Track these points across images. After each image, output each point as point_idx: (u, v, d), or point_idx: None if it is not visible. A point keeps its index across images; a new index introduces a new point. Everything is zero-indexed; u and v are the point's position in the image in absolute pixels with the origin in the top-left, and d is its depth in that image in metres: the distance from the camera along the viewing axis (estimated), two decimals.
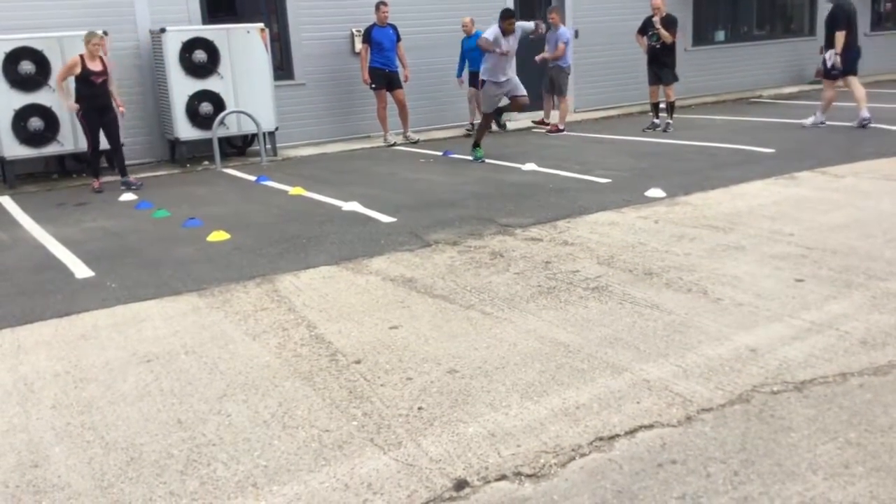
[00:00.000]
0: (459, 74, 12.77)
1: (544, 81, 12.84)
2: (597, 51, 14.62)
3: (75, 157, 10.62)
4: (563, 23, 12.96)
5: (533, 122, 13.26)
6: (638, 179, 8.43)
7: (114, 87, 9.32)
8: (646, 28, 11.92)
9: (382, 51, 11.73)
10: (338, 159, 11.27)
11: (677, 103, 12.66)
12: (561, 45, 12.28)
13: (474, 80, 12.48)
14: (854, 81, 11.11)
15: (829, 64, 11.05)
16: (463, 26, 12.35)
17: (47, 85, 9.90)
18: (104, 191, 9.39)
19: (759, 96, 15.70)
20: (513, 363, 4.01)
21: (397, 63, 11.96)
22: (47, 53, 9.88)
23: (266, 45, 11.18)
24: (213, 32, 10.89)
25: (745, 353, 3.97)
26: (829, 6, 11.18)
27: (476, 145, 10.25)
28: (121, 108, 9.37)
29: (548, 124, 12.91)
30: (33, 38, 9.88)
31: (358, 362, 4.14)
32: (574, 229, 6.60)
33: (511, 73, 9.81)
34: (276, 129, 11.54)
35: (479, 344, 4.29)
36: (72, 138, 10.13)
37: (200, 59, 10.75)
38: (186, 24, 11.13)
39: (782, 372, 3.73)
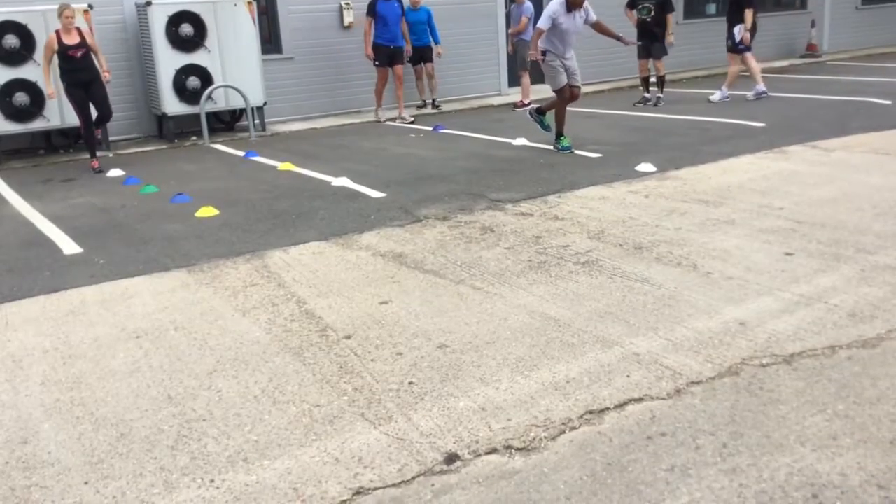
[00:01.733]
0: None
1: (516, 59, 12.76)
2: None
3: (62, 132, 10.53)
4: None
5: (514, 106, 13.07)
6: (628, 154, 8.41)
7: (100, 56, 9.04)
8: (635, 2, 11.86)
9: (387, 26, 11.43)
10: (327, 134, 11.20)
11: (668, 77, 12.61)
12: (524, 19, 12.20)
13: (422, 56, 12.33)
14: (750, 57, 11.74)
15: (737, 39, 11.56)
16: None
17: (32, 59, 9.77)
18: (104, 170, 9.07)
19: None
20: (503, 338, 4.02)
21: (402, 38, 11.72)
22: (32, 27, 9.74)
23: (253, 19, 11.06)
24: (199, 6, 10.75)
25: (734, 326, 3.99)
26: None
27: (560, 135, 8.96)
28: (106, 74, 9.03)
29: (527, 105, 12.74)
30: (17, 11, 9.74)
31: (348, 337, 4.13)
32: (564, 204, 6.59)
33: (572, 52, 8.84)
34: (265, 103, 11.45)
35: (469, 319, 4.29)
36: (58, 114, 10.02)
37: (187, 32, 10.63)
38: None
39: (771, 345, 3.75)
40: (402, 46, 11.76)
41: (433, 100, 12.87)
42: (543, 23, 8.50)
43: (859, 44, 18.26)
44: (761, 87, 11.81)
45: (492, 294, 4.63)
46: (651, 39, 11.72)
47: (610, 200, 6.62)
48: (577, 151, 8.73)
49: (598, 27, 8.93)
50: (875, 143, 8.27)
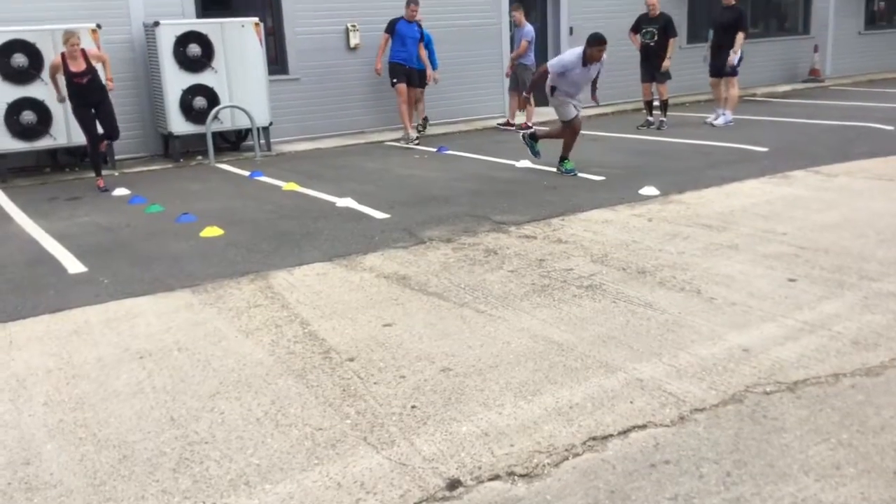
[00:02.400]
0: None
1: (510, 80, 12.83)
2: None
3: (68, 150, 10.57)
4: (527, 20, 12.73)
5: (498, 125, 13.12)
6: (632, 177, 8.44)
7: (107, 66, 8.98)
8: (639, 26, 11.95)
9: (405, 45, 11.43)
10: (332, 155, 11.25)
11: (671, 101, 12.68)
12: (524, 43, 12.28)
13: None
14: (735, 82, 12.04)
15: (735, 63, 11.75)
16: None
17: (40, 78, 9.84)
18: (110, 189, 9.05)
19: (754, 94, 15.72)
20: (506, 362, 4.02)
21: (420, 61, 11.67)
22: (40, 46, 9.81)
23: (260, 40, 11.15)
24: (207, 26, 10.84)
25: (738, 352, 3.98)
26: (735, 9, 11.75)
27: (564, 158, 8.95)
28: (110, 83, 8.93)
29: (513, 125, 12.77)
30: (26, 30, 9.82)
31: (351, 360, 4.14)
32: (568, 227, 6.60)
33: (582, 95, 8.96)
34: (271, 123, 11.51)
35: (472, 342, 4.29)
36: (64, 132, 10.08)
37: (194, 52, 10.71)
38: (180, 18, 11.09)
39: (775, 372, 3.75)
40: (420, 69, 11.72)
41: (417, 124, 12.73)
42: (555, 68, 8.46)
43: (862, 69, 18.35)
44: (730, 114, 12.04)
45: (495, 317, 4.64)
46: (654, 63, 11.80)
47: (613, 224, 6.64)
48: (580, 174, 8.76)
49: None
50: (878, 168, 8.29)
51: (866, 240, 5.79)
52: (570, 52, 8.55)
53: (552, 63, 8.60)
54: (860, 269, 5.15)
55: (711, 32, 12.05)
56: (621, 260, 5.62)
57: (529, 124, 12.37)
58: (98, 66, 8.93)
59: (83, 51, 8.73)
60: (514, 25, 12.56)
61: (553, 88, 8.71)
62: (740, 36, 11.56)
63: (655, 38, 11.77)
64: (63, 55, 8.69)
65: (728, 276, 5.15)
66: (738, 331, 4.26)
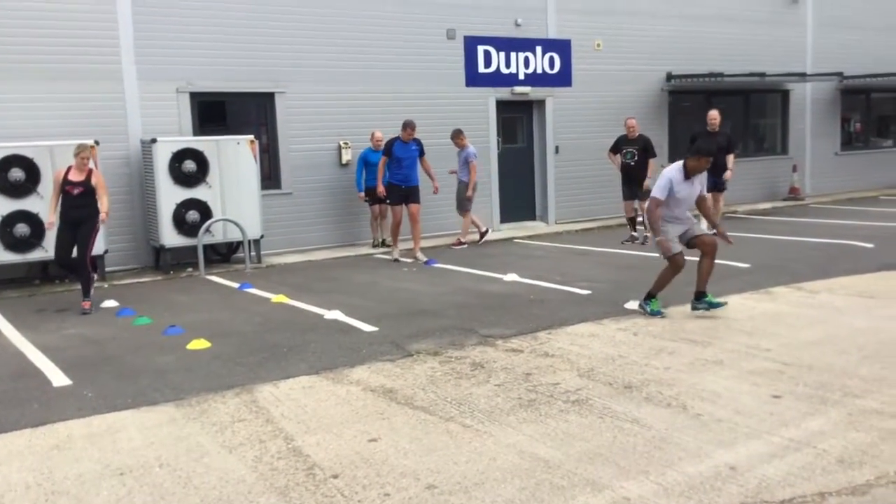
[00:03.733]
0: (361, 188, 12.57)
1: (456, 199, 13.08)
2: (576, 165, 15.06)
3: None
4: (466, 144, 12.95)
5: (451, 245, 12.97)
6: (617, 291, 8.55)
7: (104, 197, 8.79)
8: (619, 146, 12.49)
9: (401, 168, 11.55)
10: (322, 267, 11.36)
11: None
12: (474, 163, 12.64)
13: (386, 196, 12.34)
14: (721, 198, 12.83)
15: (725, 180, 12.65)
16: (376, 140, 12.37)
17: (36, 192, 10.04)
18: (92, 312, 8.63)
19: (735, 211, 16.09)
20: (492, 479, 3.98)
21: (417, 178, 11.78)
22: (38, 161, 10.05)
23: (255, 156, 11.45)
24: (203, 143, 11.15)
25: (724, 470, 3.97)
26: (725, 133, 12.87)
27: (653, 296, 7.64)
28: (103, 215, 8.75)
29: (464, 243, 12.88)
30: (24, 146, 10.07)
31: (335, 477, 4.09)
32: (554, 340, 6.65)
33: (689, 214, 7.82)
34: (262, 236, 11.68)
35: (458, 458, 4.25)
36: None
37: (189, 168, 10.97)
38: (177, 135, 11.42)
39: (761, 491, 3.73)
40: (414, 186, 11.73)
41: (383, 240, 12.88)
42: (660, 192, 7.44)
43: (840, 187, 18.88)
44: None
45: (481, 432, 4.62)
46: (635, 182, 12.23)
47: (599, 338, 6.69)
48: (566, 288, 8.85)
49: (702, 201, 7.91)
50: (859, 285, 8.44)
51: (849, 356, 5.85)
52: (668, 170, 7.59)
53: (659, 187, 7.48)
54: (844, 386, 5.18)
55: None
56: (608, 374, 5.64)
57: (462, 240, 12.72)
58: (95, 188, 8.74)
59: (90, 169, 8.73)
60: (459, 148, 12.79)
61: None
62: (732, 158, 12.52)
63: (636, 157, 12.31)
64: (69, 167, 8.69)
65: (714, 392, 5.17)
66: (725, 448, 4.25)
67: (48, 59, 10.67)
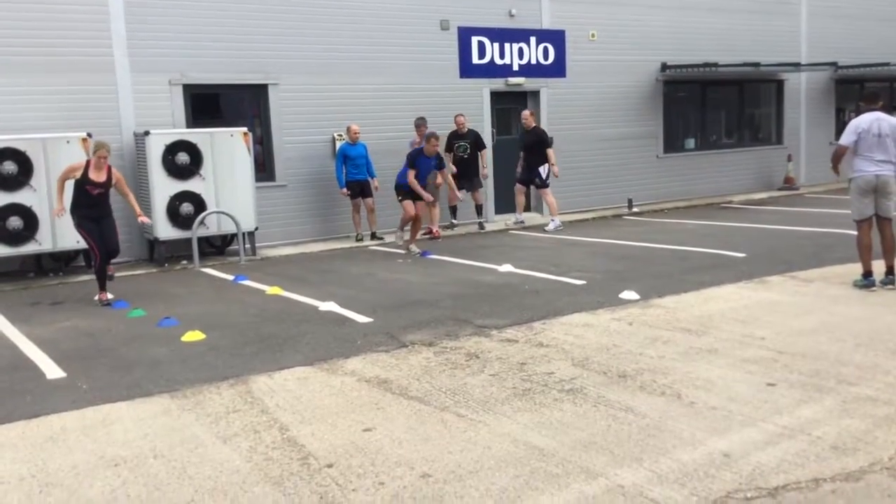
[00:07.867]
0: (342, 184, 12.37)
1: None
2: (569, 156, 15.04)
3: (53, 256, 10.62)
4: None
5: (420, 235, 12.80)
6: (612, 281, 8.55)
7: (131, 198, 8.91)
8: (451, 143, 13.14)
9: (417, 177, 11.38)
10: (317, 259, 11.35)
11: (649, 207, 13.02)
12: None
13: (363, 190, 12.44)
14: (549, 192, 13.55)
15: (543, 175, 13.37)
16: (353, 133, 12.28)
17: (29, 185, 10.00)
18: (112, 304, 8.57)
19: (730, 202, 16.12)
20: (487, 467, 3.98)
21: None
22: (30, 154, 10.00)
23: (248, 148, 11.41)
24: (196, 136, 11.11)
25: (718, 458, 3.98)
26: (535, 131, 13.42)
27: (891, 268, 7.53)
28: (141, 219, 8.89)
29: (432, 230, 12.79)
30: (17, 139, 10.03)
31: (330, 466, 4.09)
32: (549, 331, 6.65)
33: (882, 156, 7.41)
34: (256, 228, 11.65)
35: (453, 447, 4.26)
36: (50, 238, 10.16)
37: (183, 160, 10.93)
38: (171, 127, 11.37)
39: (756, 477, 3.73)
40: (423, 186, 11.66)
41: (373, 232, 12.79)
42: (850, 136, 7.32)
43: (834, 177, 18.89)
44: (559, 220, 13.32)
45: (476, 422, 4.62)
46: (472, 173, 13.30)
47: (594, 328, 6.69)
48: (561, 278, 8.86)
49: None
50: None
51: (843, 344, 5.86)
52: (855, 120, 7.42)
53: (847, 133, 7.35)
54: (838, 374, 5.19)
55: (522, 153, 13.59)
56: (602, 364, 5.64)
57: (433, 228, 12.61)
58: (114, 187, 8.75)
59: (109, 166, 8.67)
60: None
61: (849, 180, 7.60)
62: (551, 152, 13.27)
63: (468, 151, 13.17)
64: (89, 161, 8.60)
65: (708, 380, 5.18)
66: (719, 435, 4.26)
67: (40, 52, 10.61)
